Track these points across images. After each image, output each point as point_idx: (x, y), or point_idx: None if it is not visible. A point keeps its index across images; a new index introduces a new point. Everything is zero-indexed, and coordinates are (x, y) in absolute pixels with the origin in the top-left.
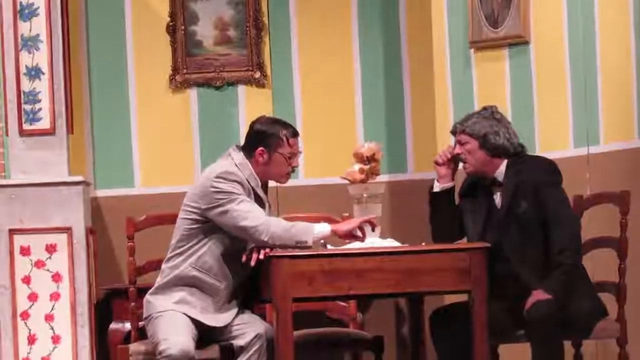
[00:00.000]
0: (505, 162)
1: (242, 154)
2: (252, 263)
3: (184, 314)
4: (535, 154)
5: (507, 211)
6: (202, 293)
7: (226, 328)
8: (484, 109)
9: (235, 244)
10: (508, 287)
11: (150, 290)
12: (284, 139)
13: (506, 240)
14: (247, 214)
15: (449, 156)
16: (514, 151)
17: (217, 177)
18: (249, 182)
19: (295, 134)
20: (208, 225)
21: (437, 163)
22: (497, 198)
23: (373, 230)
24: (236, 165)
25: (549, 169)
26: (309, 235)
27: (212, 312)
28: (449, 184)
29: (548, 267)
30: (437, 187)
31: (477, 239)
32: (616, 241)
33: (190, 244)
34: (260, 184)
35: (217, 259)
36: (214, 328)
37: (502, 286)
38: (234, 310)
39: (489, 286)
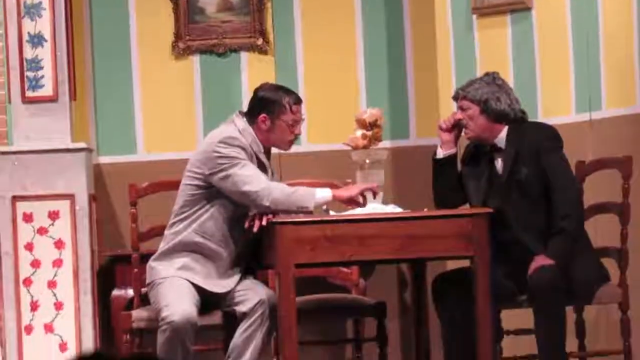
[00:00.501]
0: (506, 128)
1: (244, 120)
2: (255, 229)
3: (187, 280)
4: (537, 120)
5: (508, 177)
6: (204, 259)
7: (229, 294)
8: (486, 74)
9: (238, 210)
10: (510, 253)
11: (153, 257)
12: (287, 106)
13: (508, 206)
14: (249, 178)
15: (453, 122)
16: (515, 117)
17: (220, 142)
18: (251, 148)
19: (298, 101)
20: (211, 191)
21: (441, 129)
22: (499, 164)
23: (374, 197)
24: (239, 131)
25: (550, 135)
26: (311, 201)
27: (214, 278)
28: (452, 151)
29: (550, 232)
30: (440, 154)
31: (480, 206)
32: (618, 206)
33: (193, 209)
34: (263, 149)
35: (219, 225)
36: (217, 294)
37: (505, 252)
38: (237, 277)
39: (491, 252)
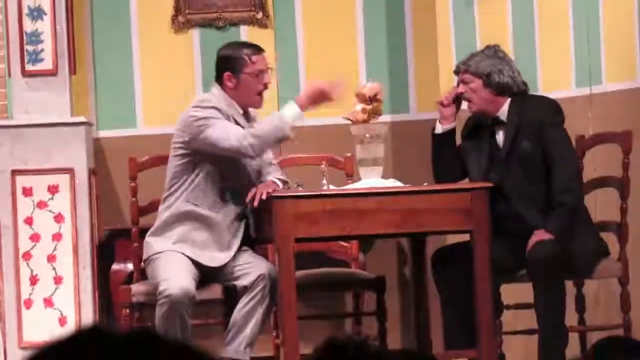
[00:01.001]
0: (508, 100)
1: (217, 87)
2: (255, 204)
3: (183, 254)
4: (538, 94)
5: (509, 150)
6: (199, 226)
7: (229, 269)
8: (487, 47)
9: (226, 172)
10: (510, 227)
11: (149, 232)
12: (246, 57)
13: (508, 180)
14: (225, 134)
15: (454, 96)
16: (518, 89)
17: (194, 105)
18: (228, 111)
19: (258, 50)
20: (194, 158)
21: (442, 104)
22: (500, 137)
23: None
24: (214, 97)
25: (552, 109)
26: (286, 129)
27: (211, 248)
28: (452, 125)
29: (550, 206)
30: (439, 129)
31: (480, 179)
32: (618, 181)
33: (182, 180)
34: (241, 112)
35: (210, 190)
36: (216, 269)
37: (505, 226)
38: (234, 248)
39: (491, 226)
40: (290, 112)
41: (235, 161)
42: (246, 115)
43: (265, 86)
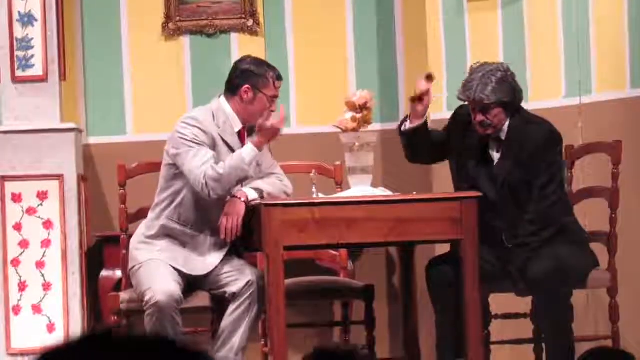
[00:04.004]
0: (508, 120)
1: (222, 99)
2: (228, 240)
3: (167, 262)
4: (536, 115)
5: (505, 174)
6: (183, 244)
7: (216, 277)
8: (497, 70)
9: None
10: (501, 238)
11: (133, 242)
12: (271, 80)
13: (500, 199)
14: (188, 171)
15: (423, 92)
16: (519, 105)
17: (182, 121)
18: (218, 130)
19: (280, 77)
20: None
21: (418, 100)
22: (494, 152)
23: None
24: (212, 112)
25: (552, 139)
26: (245, 169)
27: (194, 260)
28: (421, 121)
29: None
30: (407, 126)
31: (462, 177)
32: (608, 191)
33: (168, 193)
34: (237, 130)
35: (193, 209)
36: (203, 277)
37: (496, 236)
38: (218, 257)
39: (480, 234)
40: (248, 153)
41: None
42: (250, 131)
43: (272, 112)
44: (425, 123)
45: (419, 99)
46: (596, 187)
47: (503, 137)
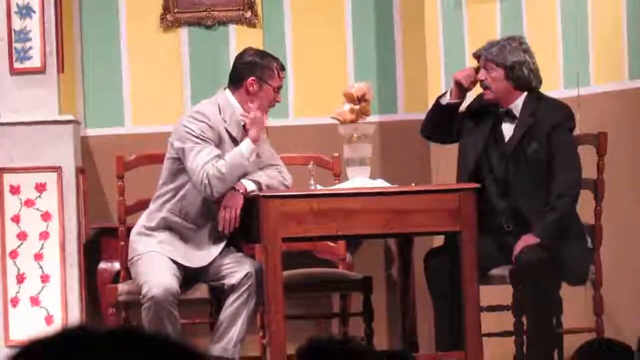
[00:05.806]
0: (523, 95)
1: (227, 91)
2: (227, 232)
3: (165, 255)
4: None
5: (515, 147)
6: (182, 237)
7: (215, 268)
8: (511, 38)
9: None
10: (505, 221)
11: (134, 231)
12: (275, 71)
13: (514, 176)
14: (192, 170)
15: (472, 80)
16: (535, 85)
17: (189, 115)
18: (226, 124)
19: (283, 67)
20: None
21: (458, 82)
22: (506, 129)
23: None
24: (218, 106)
25: (565, 114)
26: (245, 164)
27: (193, 252)
28: (459, 100)
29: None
30: (446, 100)
31: (473, 162)
32: (593, 183)
33: (171, 186)
34: (243, 123)
35: (195, 203)
36: (202, 269)
37: (499, 220)
38: (217, 250)
39: (483, 220)
40: (246, 149)
41: None
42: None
43: (274, 104)
44: (460, 104)
45: (473, 82)
46: (582, 178)
47: (517, 114)
